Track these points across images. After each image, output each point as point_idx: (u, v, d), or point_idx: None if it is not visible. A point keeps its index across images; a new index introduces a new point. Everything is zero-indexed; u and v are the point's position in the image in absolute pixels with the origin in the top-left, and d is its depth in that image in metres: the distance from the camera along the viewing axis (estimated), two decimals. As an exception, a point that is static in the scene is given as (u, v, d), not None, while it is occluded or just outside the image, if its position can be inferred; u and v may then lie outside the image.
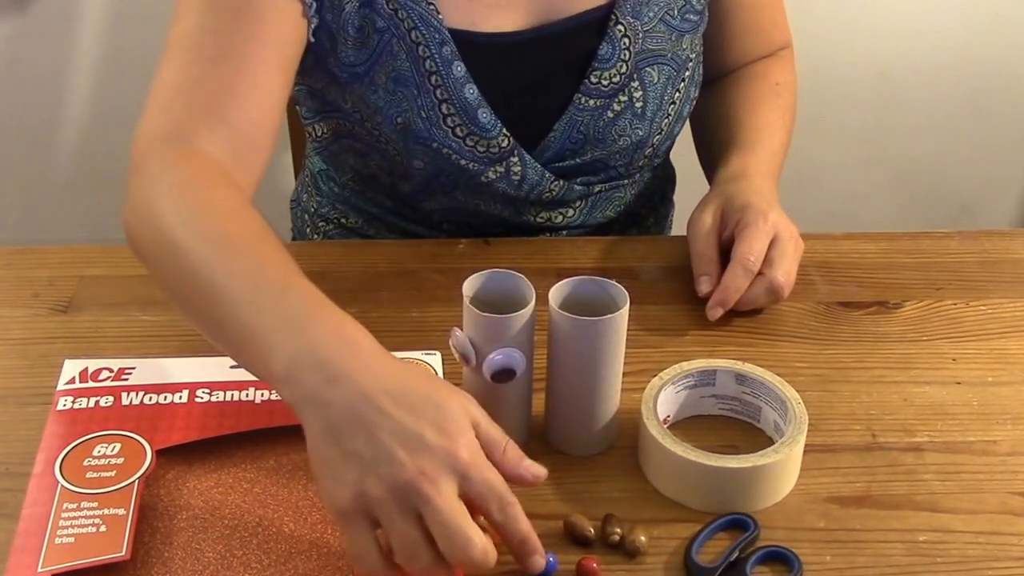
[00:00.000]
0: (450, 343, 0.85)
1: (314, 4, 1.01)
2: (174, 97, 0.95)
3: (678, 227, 1.25)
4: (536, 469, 0.76)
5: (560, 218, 1.19)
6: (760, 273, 1.01)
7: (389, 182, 1.16)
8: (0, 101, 2.00)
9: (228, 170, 0.92)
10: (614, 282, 0.87)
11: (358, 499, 0.71)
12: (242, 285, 0.79)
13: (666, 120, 1.15)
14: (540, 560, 0.76)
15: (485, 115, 1.08)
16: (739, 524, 0.84)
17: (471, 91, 1.07)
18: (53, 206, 2.11)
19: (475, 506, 0.73)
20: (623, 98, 1.11)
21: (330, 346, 0.75)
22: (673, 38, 1.12)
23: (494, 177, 1.11)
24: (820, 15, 1.98)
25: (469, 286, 0.86)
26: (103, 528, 0.79)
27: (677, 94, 1.14)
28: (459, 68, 1.06)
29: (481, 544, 0.71)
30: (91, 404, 0.90)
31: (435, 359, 0.97)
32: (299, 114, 1.21)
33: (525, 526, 0.75)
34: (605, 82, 1.10)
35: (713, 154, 1.20)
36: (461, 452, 0.72)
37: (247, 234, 0.85)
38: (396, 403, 0.73)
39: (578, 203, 1.19)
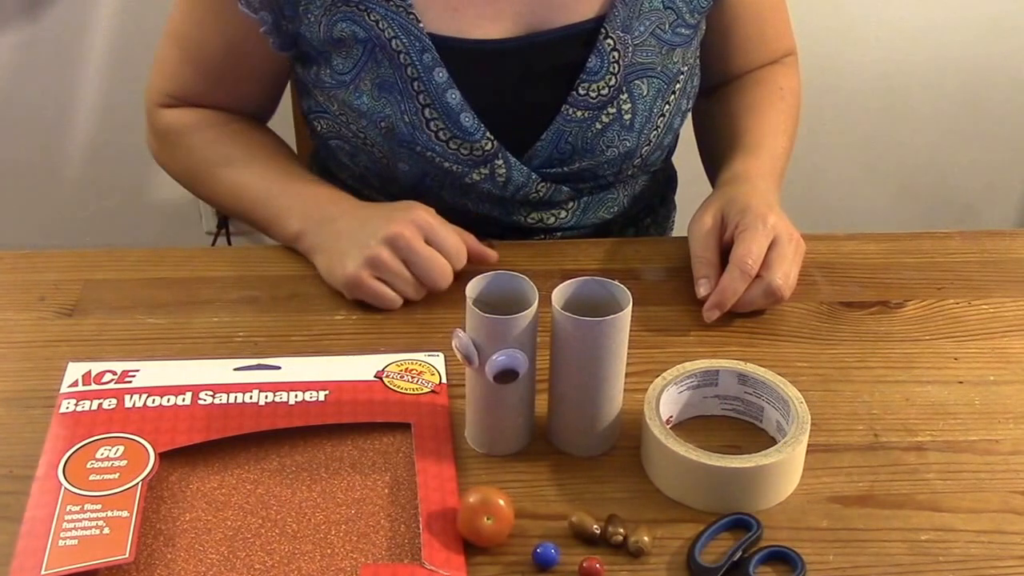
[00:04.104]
0: (453, 344, 0.85)
1: (270, 21, 1.07)
2: (169, 78, 1.17)
3: (680, 229, 1.25)
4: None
5: (552, 219, 1.19)
6: (758, 276, 1.02)
7: (379, 183, 1.18)
8: (9, 107, 2.00)
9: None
10: (617, 283, 0.87)
11: (367, 261, 1.01)
12: (266, 182, 1.13)
13: (655, 132, 1.15)
14: (492, 251, 1.09)
15: (468, 119, 1.09)
16: (742, 524, 0.84)
17: (453, 96, 1.08)
18: (60, 211, 2.12)
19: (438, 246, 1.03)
20: (611, 110, 1.11)
21: (327, 204, 1.09)
22: (664, 52, 1.12)
23: (478, 179, 1.12)
24: (823, 20, 1.99)
25: (472, 287, 0.86)
26: (106, 530, 0.79)
27: (667, 107, 1.14)
28: (441, 74, 1.07)
29: (444, 265, 1.02)
30: (94, 407, 0.90)
31: (438, 360, 0.97)
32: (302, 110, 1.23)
33: (472, 240, 1.07)
34: (593, 94, 1.10)
35: (716, 157, 1.20)
36: (423, 214, 1.04)
37: (264, 146, 1.18)
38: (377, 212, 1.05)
39: (570, 204, 1.19)
